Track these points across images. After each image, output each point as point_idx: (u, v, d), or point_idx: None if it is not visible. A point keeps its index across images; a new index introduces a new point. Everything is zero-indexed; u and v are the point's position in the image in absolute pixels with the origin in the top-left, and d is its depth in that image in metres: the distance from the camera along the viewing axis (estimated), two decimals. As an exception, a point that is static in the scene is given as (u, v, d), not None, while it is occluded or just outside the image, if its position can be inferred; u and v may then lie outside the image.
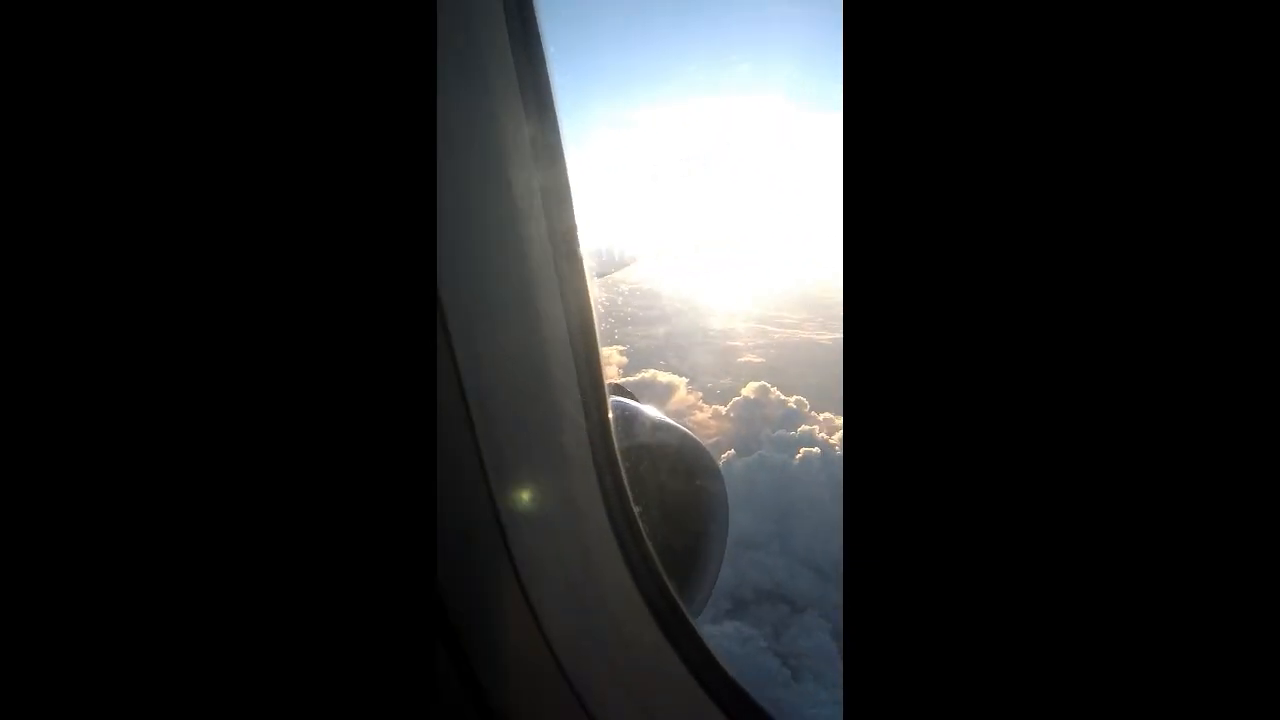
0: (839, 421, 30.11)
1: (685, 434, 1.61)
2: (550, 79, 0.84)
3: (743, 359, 47.35)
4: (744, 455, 26.65)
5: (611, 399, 1.57)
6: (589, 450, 0.93)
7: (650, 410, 1.65)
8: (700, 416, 32.94)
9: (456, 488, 0.84)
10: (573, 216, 0.89)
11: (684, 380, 37.33)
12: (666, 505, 1.63)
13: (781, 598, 19.98)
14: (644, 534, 1.01)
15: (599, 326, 1.07)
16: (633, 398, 1.68)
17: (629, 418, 1.53)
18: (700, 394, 37.04)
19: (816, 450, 26.61)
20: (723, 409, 34.03)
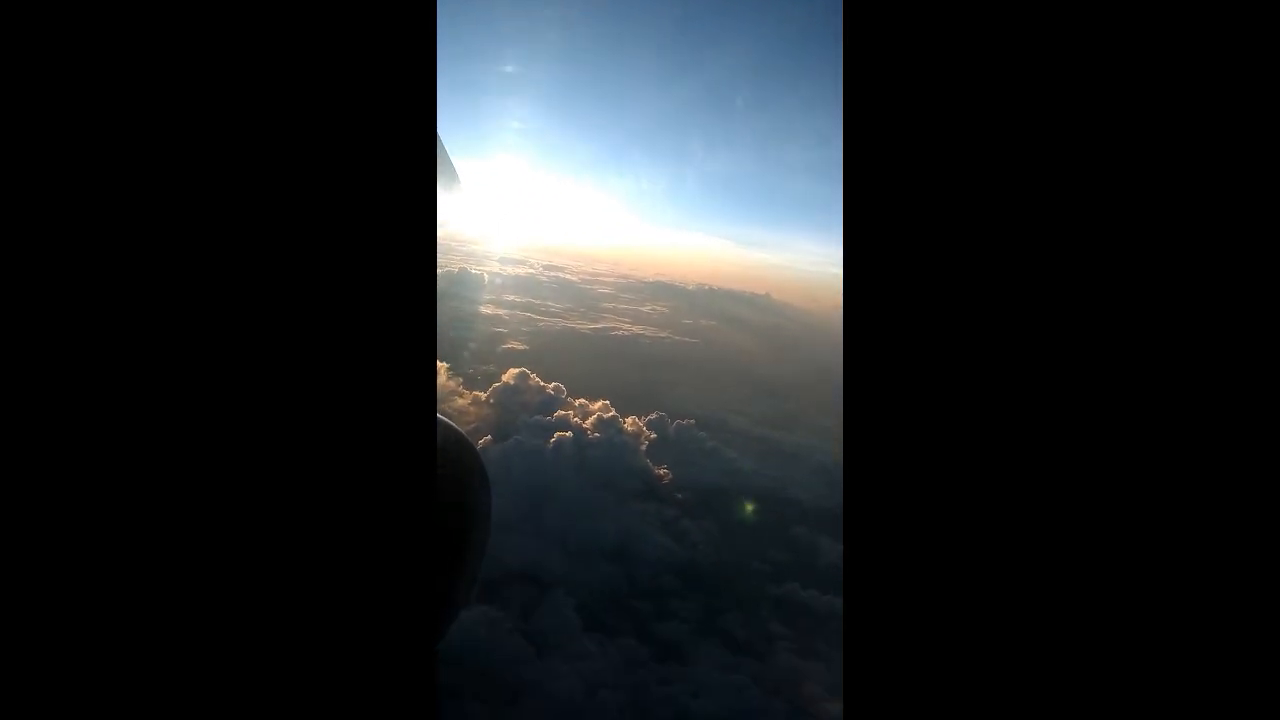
0: (594, 406, 31.37)
1: (454, 432, 1.55)
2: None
3: (506, 346, 47.23)
4: (501, 441, 26.64)
5: None
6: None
7: None
8: (460, 403, 32.26)
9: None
10: None
11: (445, 366, 36.30)
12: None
13: (531, 578, 20.37)
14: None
15: None
16: None
17: None
18: (461, 380, 36.33)
19: (569, 434, 27.50)
20: (483, 395, 33.72)
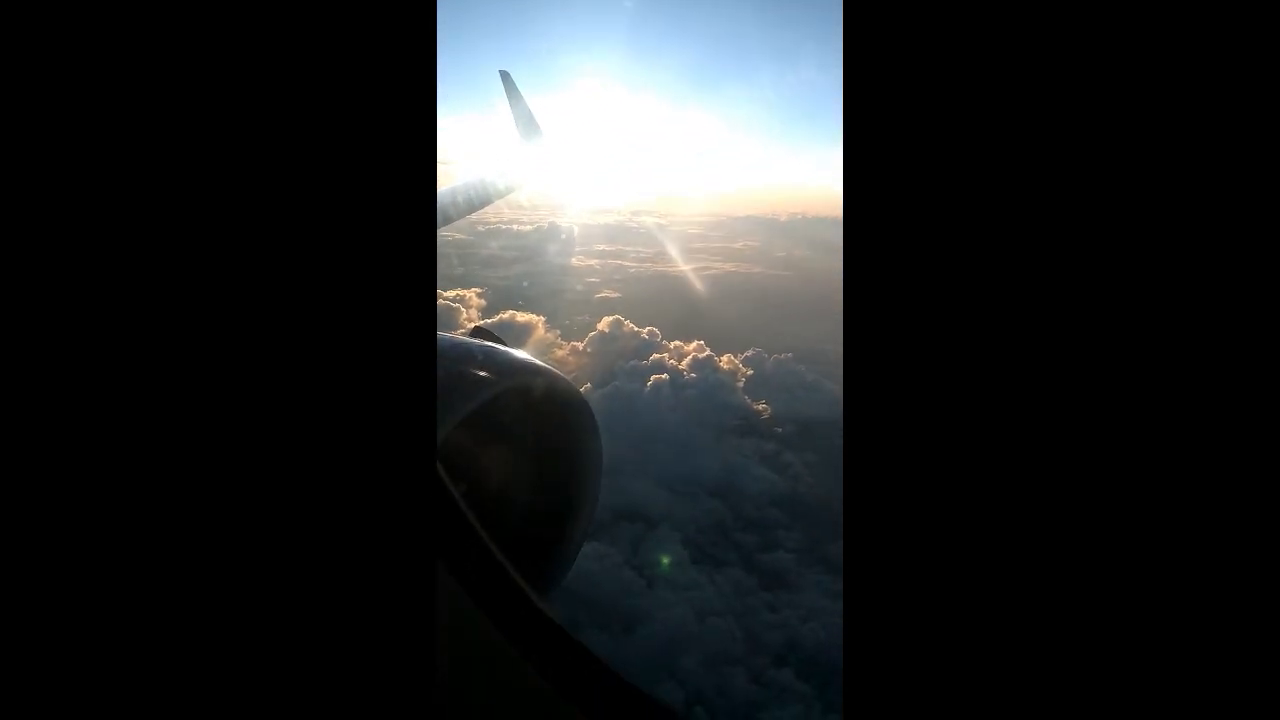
0: (688, 347, 31.59)
1: (557, 378, 1.57)
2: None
3: (600, 295, 47.90)
4: (600, 387, 27.41)
5: (477, 342, 1.54)
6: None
7: (520, 354, 1.57)
8: (559, 354, 33.35)
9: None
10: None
11: (541, 319, 37.46)
12: (540, 457, 1.61)
13: (638, 515, 21.18)
14: (468, 519, 0.94)
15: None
16: (500, 341, 1.63)
17: (498, 360, 1.49)
18: (558, 331, 37.44)
19: (665, 377, 27.92)
20: (580, 345, 34.66)
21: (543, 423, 1.58)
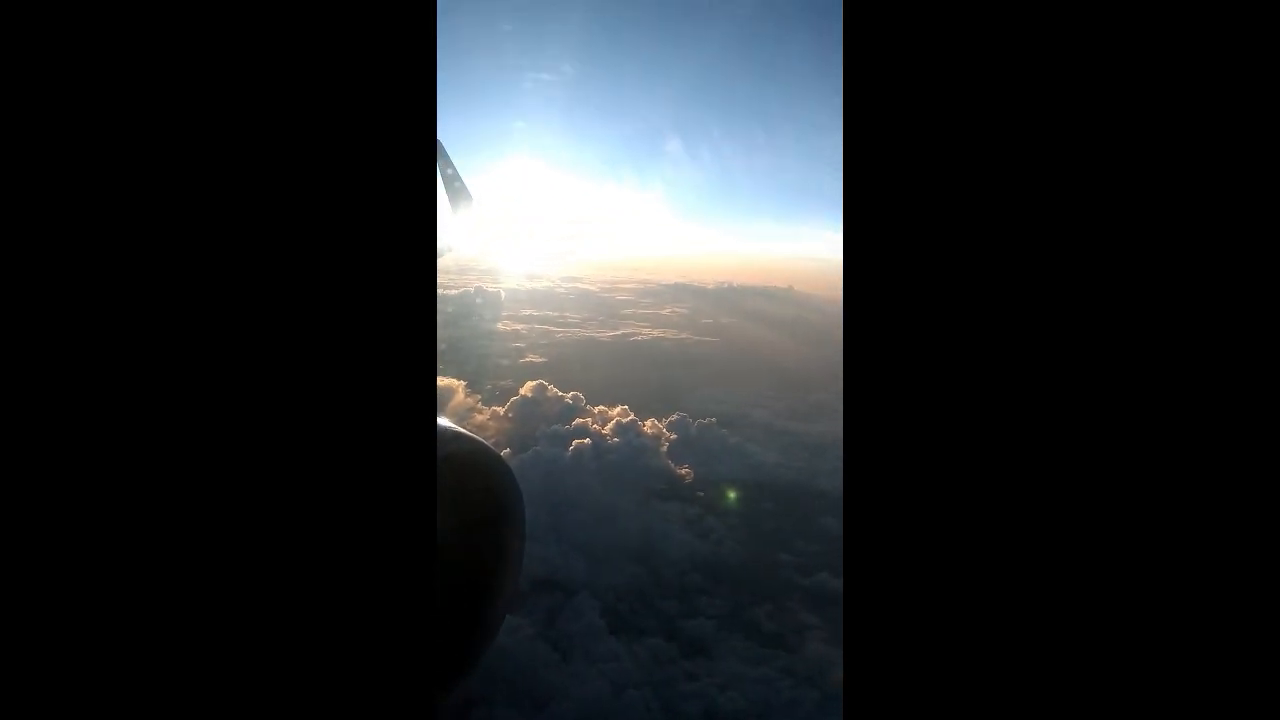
0: (612, 412, 31.39)
1: (479, 445, 1.52)
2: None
3: (525, 360, 47.47)
4: (520, 453, 26.77)
5: None
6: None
7: (445, 423, 1.52)
8: (479, 419, 32.53)
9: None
10: None
11: (463, 384, 36.67)
12: (461, 528, 1.54)
13: (556, 585, 20.39)
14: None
15: None
16: None
17: None
18: (479, 396, 36.65)
19: (588, 441, 27.52)
20: (501, 410, 33.95)
21: (464, 492, 1.50)
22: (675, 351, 53.86)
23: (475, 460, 1.48)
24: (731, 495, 26.63)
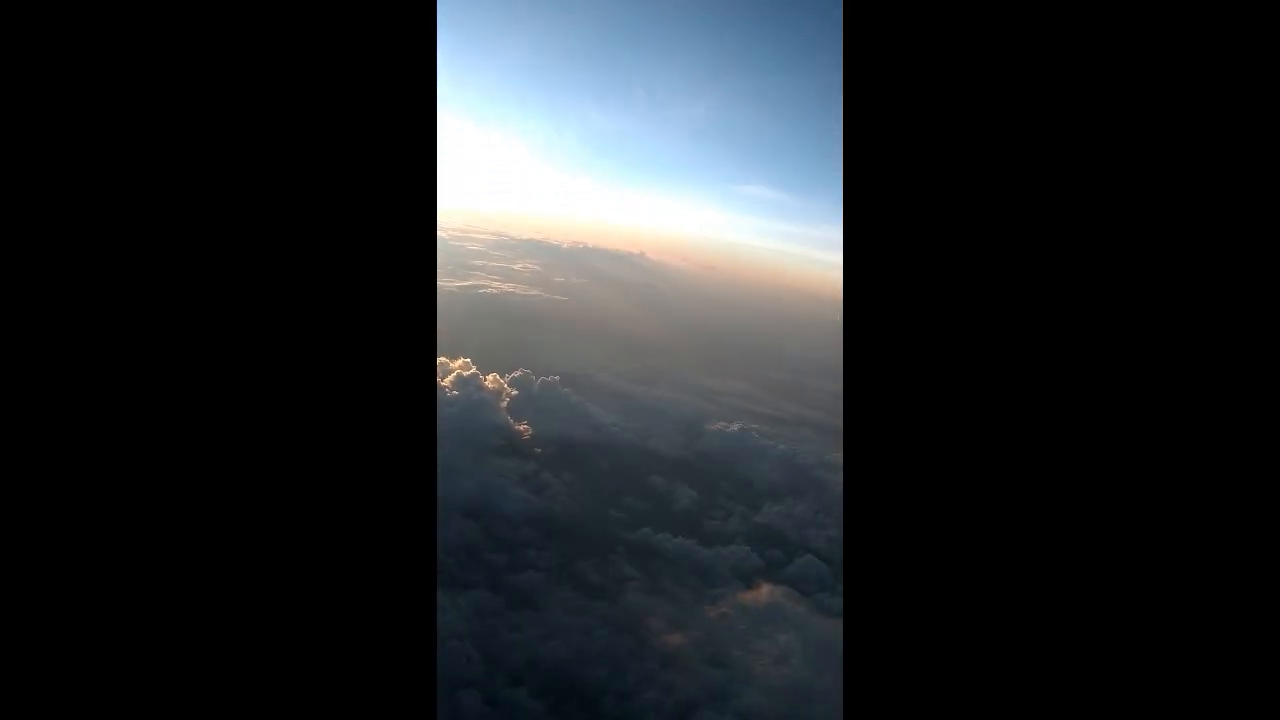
0: (454, 364, 30.83)
1: None
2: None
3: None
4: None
5: None
6: None
7: None
8: (310, 363, 30.82)
9: None
10: None
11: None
12: None
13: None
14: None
15: None
16: None
17: None
18: (311, 339, 34.65)
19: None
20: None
21: None
22: (524, 307, 53.38)
23: None
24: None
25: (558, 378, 32.38)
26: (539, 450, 26.91)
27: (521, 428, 28.06)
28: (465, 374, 29.61)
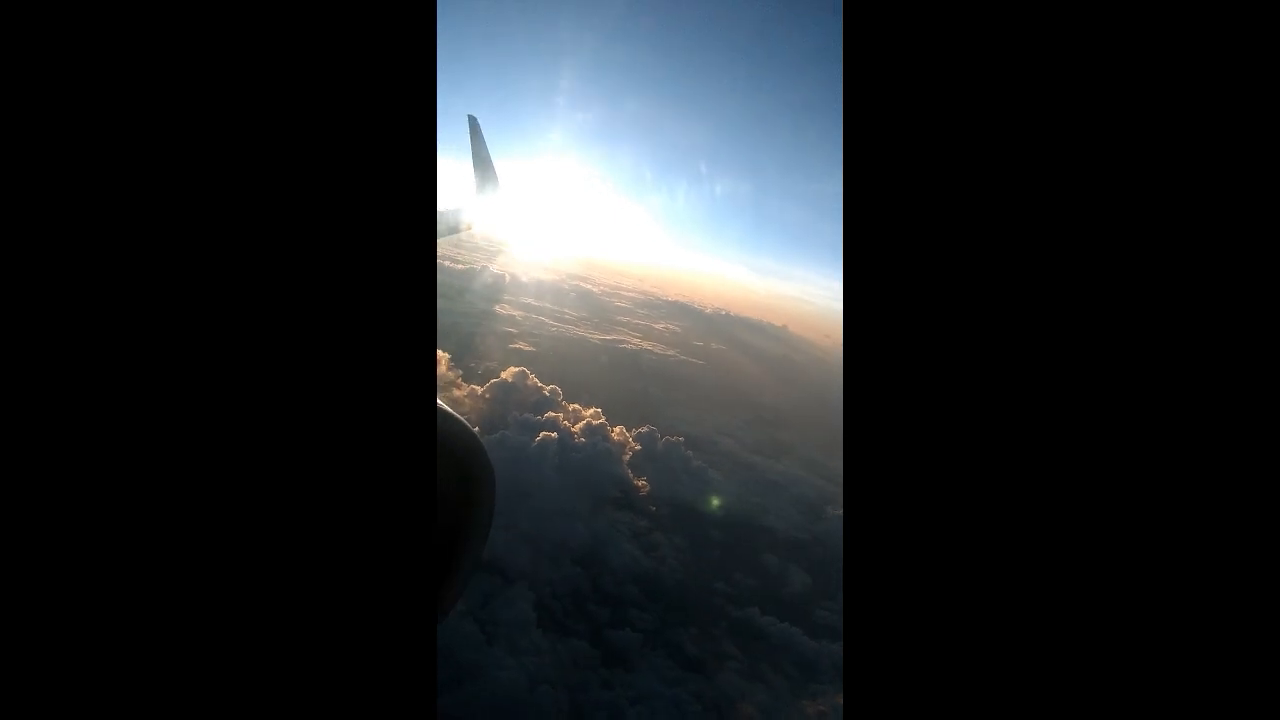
0: (585, 412, 31.81)
1: (461, 425, 1.53)
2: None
3: (514, 345, 47.78)
4: (489, 433, 27.11)
5: None
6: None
7: None
8: (457, 394, 32.79)
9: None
10: None
11: (446, 357, 36.97)
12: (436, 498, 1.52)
13: (496, 569, 20.72)
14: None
15: None
16: None
17: None
18: (460, 372, 36.92)
19: (555, 435, 27.95)
20: (480, 389, 34.28)
21: (444, 472, 1.52)
22: (659, 366, 54.29)
23: (454, 440, 1.51)
24: (715, 502, 27.03)
25: (682, 439, 32.47)
26: (654, 508, 26.98)
27: (640, 483, 28.32)
28: (595, 423, 30.47)
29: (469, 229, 4.88)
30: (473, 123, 6.63)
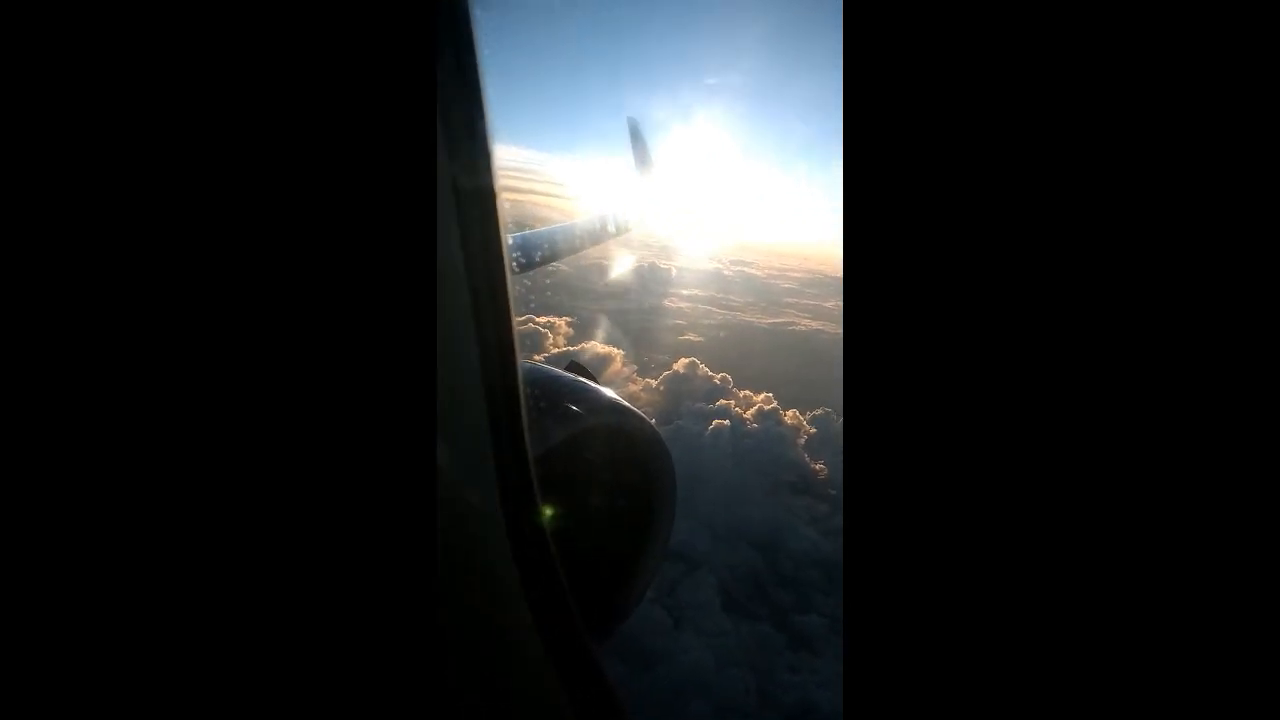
0: (757, 398, 31.66)
1: (643, 422, 1.56)
2: (480, 76, 0.80)
3: (683, 337, 48.51)
4: (664, 425, 27.95)
5: (571, 376, 1.57)
6: (493, 462, 0.88)
7: (608, 392, 1.57)
8: (633, 388, 33.99)
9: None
10: (495, 215, 0.83)
11: (620, 353, 38.46)
12: (616, 497, 1.59)
13: (679, 556, 21.40)
14: (549, 546, 0.95)
15: (519, 323, 0.93)
16: (592, 377, 1.63)
17: (587, 399, 1.50)
18: (635, 367, 38.25)
19: (728, 423, 28.13)
20: (654, 382, 35.30)
21: (623, 464, 1.56)
22: (832, 347, 52.50)
23: (637, 436, 1.53)
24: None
25: (861, 421, 31.20)
26: (833, 492, 26.35)
27: (818, 467, 27.79)
28: (767, 408, 30.34)
29: (631, 228, 4.95)
30: (632, 124, 6.80)
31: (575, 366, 1.70)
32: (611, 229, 4.52)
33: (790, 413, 30.65)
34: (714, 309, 59.80)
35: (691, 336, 48.15)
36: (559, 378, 1.57)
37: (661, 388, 33.85)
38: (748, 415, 29.62)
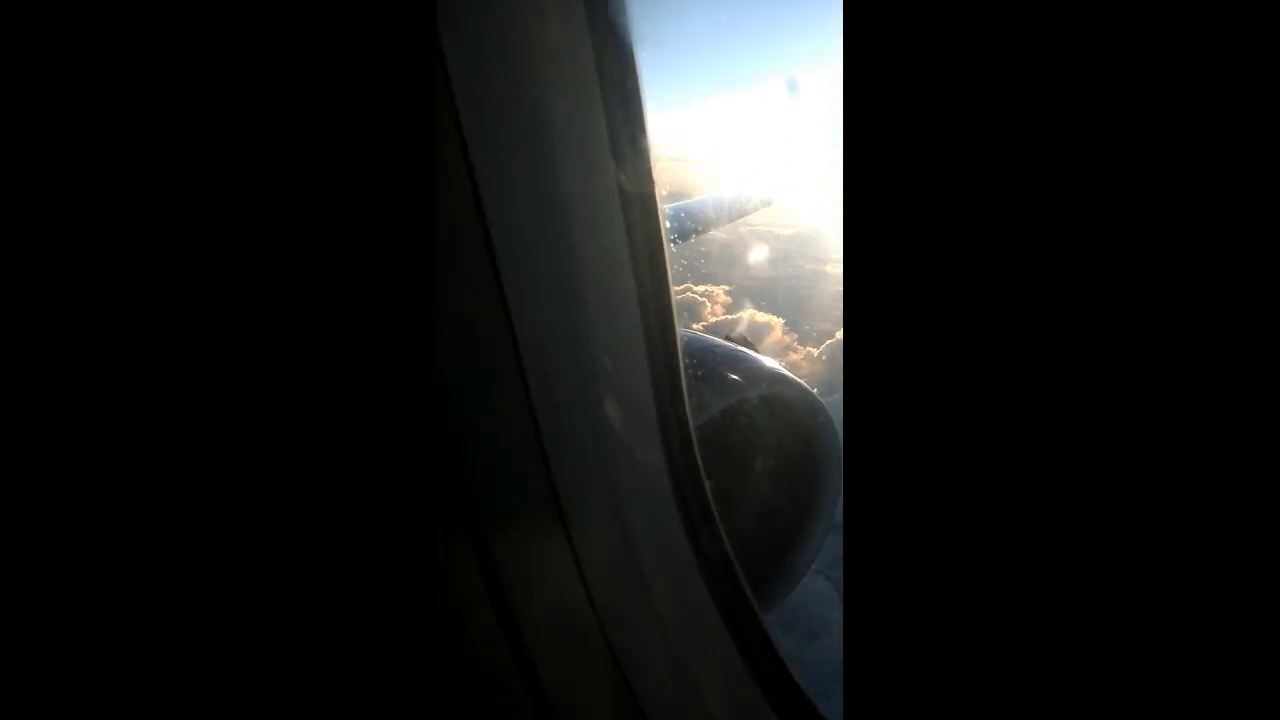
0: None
1: (806, 392, 1.54)
2: (635, 64, 0.79)
3: (845, 304, 46.28)
4: (827, 395, 26.68)
5: (731, 348, 1.56)
6: (657, 431, 0.89)
7: (769, 363, 1.58)
8: (793, 357, 32.76)
9: (511, 468, 0.80)
10: (652, 197, 0.83)
11: (780, 321, 37.42)
12: (778, 467, 1.58)
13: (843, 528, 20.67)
14: (714, 514, 0.95)
15: (677, 292, 0.95)
16: (752, 348, 1.62)
17: (747, 369, 1.48)
18: (795, 335, 37.00)
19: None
20: (816, 351, 34.03)
21: (785, 434, 1.56)
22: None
23: (800, 408, 1.52)
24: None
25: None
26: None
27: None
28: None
29: (773, 203, 5.02)
30: (790, 84, 6.92)
31: (736, 338, 1.72)
32: (752, 204, 4.55)
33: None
34: (880, 274, 56.21)
35: (856, 304, 45.73)
36: (716, 347, 1.56)
37: (824, 357, 32.43)
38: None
